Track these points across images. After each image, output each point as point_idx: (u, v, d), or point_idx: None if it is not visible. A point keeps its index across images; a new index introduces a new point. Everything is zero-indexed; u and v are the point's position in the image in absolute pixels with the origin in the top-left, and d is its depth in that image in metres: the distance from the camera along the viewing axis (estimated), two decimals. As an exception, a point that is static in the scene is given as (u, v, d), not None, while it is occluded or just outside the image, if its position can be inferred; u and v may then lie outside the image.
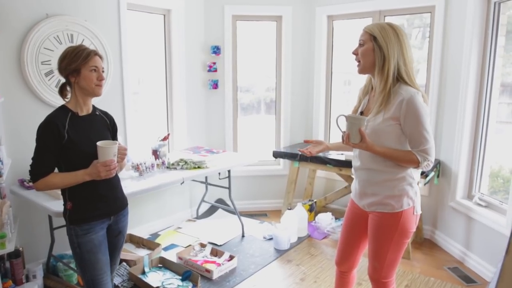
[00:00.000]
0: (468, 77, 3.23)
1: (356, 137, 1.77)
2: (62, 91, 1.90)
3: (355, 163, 1.99)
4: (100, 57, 1.87)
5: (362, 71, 1.88)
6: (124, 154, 1.90)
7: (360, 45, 1.85)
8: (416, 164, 1.79)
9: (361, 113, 1.96)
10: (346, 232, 2.11)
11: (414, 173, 1.87)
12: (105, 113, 2.03)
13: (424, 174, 3.22)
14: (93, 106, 1.96)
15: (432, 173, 3.40)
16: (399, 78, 1.80)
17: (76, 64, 1.78)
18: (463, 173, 3.39)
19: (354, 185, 2.03)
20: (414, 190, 1.87)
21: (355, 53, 1.87)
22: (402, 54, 1.79)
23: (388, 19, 3.91)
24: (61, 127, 1.77)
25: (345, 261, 2.13)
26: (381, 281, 1.95)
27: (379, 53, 1.78)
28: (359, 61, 1.86)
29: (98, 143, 1.75)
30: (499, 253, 2.89)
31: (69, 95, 1.90)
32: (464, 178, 3.40)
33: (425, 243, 3.70)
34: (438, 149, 3.64)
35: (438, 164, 3.57)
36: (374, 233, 1.92)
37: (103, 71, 1.87)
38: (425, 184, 3.53)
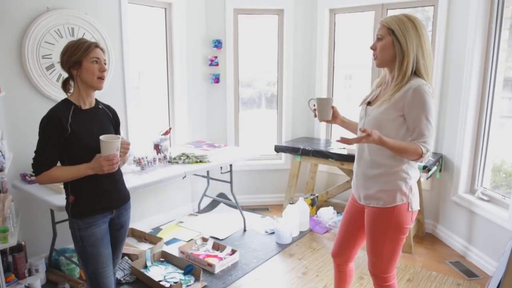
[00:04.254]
0: (471, 71, 3.21)
1: (325, 114, 1.98)
2: (65, 86, 1.89)
3: (355, 155, 2.01)
4: (102, 49, 1.86)
5: (380, 65, 1.85)
6: (127, 149, 1.90)
7: (378, 39, 1.81)
8: (420, 156, 1.73)
9: (369, 103, 1.95)
10: (344, 225, 2.12)
11: (410, 170, 1.85)
12: (108, 107, 2.02)
13: (426, 169, 3.21)
14: (96, 100, 1.95)
15: (435, 167, 3.39)
16: (417, 72, 1.77)
17: (77, 56, 1.78)
18: (465, 168, 3.38)
19: (353, 178, 2.05)
20: (409, 186, 1.85)
21: (373, 48, 1.84)
22: (421, 47, 1.76)
23: (390, 13, 3.89)
24: (64, 120, 1.76)
25: (341, 254, 2.14)
26: (381, 276, 1.95)
27: (398, 47, 1.75)
28: (376, 56, 1.83)
29: (101, 137, 1.74)
30: (501, 247, 2.89)
31: (72, 90, 1.90)
32: (466, 172, 3.40)
33: (427, 237, 3.70)
34: (440, 143, 3.63)
35: (440, 158, 3.56)
36: (370, 228, 1.93)
37: (105, 63, 1.86)
38: (427, 179, 3.52)
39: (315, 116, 2.04)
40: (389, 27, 1.77)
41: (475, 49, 3.17)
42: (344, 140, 1.69)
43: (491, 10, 3.13)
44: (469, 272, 3.09)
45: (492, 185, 3.33)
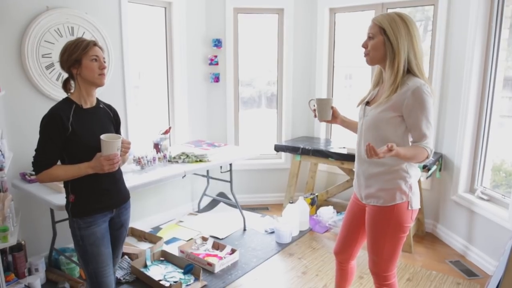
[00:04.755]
0: (471, 71, 3.21)
1: (325, 114, 2.04)
2: (65, 86, 1.89)
3: (355, 155, 2.01)
4: (100, 47, 1.86)
5: (371, 63, 1.86)
6: (128, 148, 1.90)
7: (370, 38, 1.82)
8: (427, 158, 1.76)
9: (367, 103, 1.95)
10: (346, 223, 2.13)
11: (410, 169, 1.85)
12: (109, 106, 2.02)
13: (426, 168, 3.21)
14: (97, 99, 1.96)
15: (434, 167, 3.39)
16: (410, 71, 1.78)
17: (76, 54, 1.78)
18: (465, 167, 3.38)
19: (354, 177, 2.06)
20: (408, 185, 1.85)
21: (364, 46, 1.85)
22: (413, 47, 1.76)
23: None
24: (65, 119, 1.77)
25: (343, 251, 2.15)
26: (381, 275, 1.96)
27: (390, 47, 1.76)
28: (367, 54, 1.84)
29: (102, 137, 1.74)
30: (501, 246, 2.89)
31: (72, 90, 1.90)
32: (466, 171, 3.40)
33: (427, 237, 3.70)
34: (440, 143, 3.63)
35: (440, 158, 3.56)
36: (370, 226, 1.93)
37: (104, 61, 1.86)
38: (427, 178, 3.52)
39: (315, 116, 2.08)
40: (380, 26, 1.77)
41: (475, 48, 3.17)
42: (371, 149, 1.61)
43: (491, 9, 3.12)
44: (469, 272, 3.09)
45: (492, 184, 3.33)
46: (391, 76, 1.77)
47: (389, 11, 3.98)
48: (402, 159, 1.76)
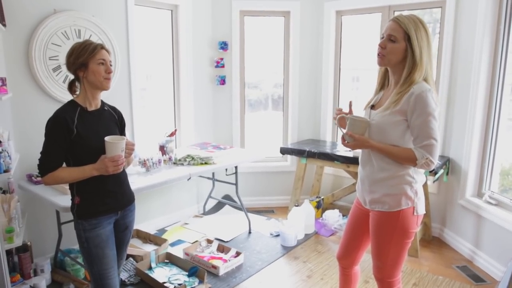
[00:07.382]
0: (479, 74, 3.18)
1: (349, 137, 1.82)
2: (71, 87, 1.91)
3: (360, 159, 1.99)
4: (107, 50, 1.87)
5: (385, 65, 1.81)
6: (132, 150, 1.90)
7: (391, 41, 1.74)
8: (413, 162, 1.74)
9: (372, 106, 1.93)
10: (349, 228, 2.10)
11: (415, 174, 1.83)
12: (114, 109, 2.03)
13: (433, 171, 3.18)
14: (102, 101, 1.96)
15: (442, 171, 3.36)
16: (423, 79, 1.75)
17: (84, 58, 1.79)
18: (473, 171, 3.34)
19: (357, 182, 2.03)
20: (414, 190, 1.82)
21: (382, 46, 1.76)
22: (430, 58, 1.73)
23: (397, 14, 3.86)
24: (70, 121, 1.77)
25: (346, 257, 2.13)
26: (386, 281, 1.94)
27: (411, 55, 1.71)
28: (383, 55, 1.77)
29: (106, 138, 1.75)
30: (509, 252, 2.85)
31: (78, 91, 1.91)
32: (474, 175, 3.36)
33: (434, 241, 3.66)
34: (447, 146, 3.60)
35: (447, 161, 3.53)
36: (374, 232, 1.91)
37: (111, 65, 1.87)
38: (434, 182, 3.49)
39: (344, 143, 1.87)
40: (406, 31, 1.71)
41: (483, 50, 3.14)
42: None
43: (500, 12, 3.09)
44: (476, 277, 3.05)
45: (500, 188, 3.29)
46: (405, 83, 1.73)
47: (397, 13, 3.97)
48: (375, 150, 1.81)
